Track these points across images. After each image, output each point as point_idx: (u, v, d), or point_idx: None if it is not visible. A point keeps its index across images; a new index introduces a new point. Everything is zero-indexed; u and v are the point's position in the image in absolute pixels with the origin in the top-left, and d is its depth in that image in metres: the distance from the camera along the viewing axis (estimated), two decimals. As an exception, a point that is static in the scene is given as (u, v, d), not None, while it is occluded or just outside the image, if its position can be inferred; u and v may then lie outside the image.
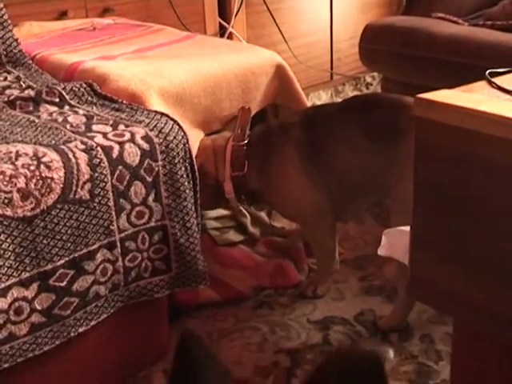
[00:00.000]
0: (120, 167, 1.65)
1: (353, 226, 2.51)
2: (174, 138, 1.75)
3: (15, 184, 1.49)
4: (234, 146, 2.08)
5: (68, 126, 1.71)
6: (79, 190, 1.59)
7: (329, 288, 2.19)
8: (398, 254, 1.47)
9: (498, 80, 1.40)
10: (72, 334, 1.65)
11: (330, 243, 2.14)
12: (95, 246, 1.64)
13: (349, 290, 2.20)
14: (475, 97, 1.30)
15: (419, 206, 1.37)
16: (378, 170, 1.95)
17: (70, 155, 1.58)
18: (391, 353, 0.73)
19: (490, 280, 1.28)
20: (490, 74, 1.43)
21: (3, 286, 1.49)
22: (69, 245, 1.59)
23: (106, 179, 1.63)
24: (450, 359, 1.75)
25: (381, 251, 1.52)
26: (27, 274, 1.53)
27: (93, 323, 1.68)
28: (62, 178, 1.56)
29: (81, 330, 1.66)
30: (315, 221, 2.09)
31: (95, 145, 1.63)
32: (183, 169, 1.77)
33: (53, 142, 1.63)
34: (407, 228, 1.44)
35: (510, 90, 1.33)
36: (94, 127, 1.72)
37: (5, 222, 1.48)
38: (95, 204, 1.62)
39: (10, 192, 1.48)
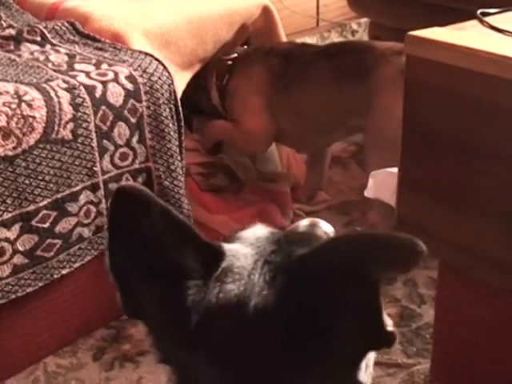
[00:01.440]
0: (103, 107, 1.62)
1: (337, 171, 2.49)
2: (159, 78, 1.72)
3: (-4, 122, 1.46)
4: (220, 59, 2.18)
5: (50, 65, 1.67)
6: (61, 129, 1.55)
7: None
8: (385, 195, 1.46)
9: (489, 19, 1.38)
10: (55, 276, 1.64)
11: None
12: (78, 188, 1.61)
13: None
14: (467, 34, 1.28)
15: (408, 147, 1.36)
16: (346, 107, 2.01)
17: (52, 94, 1.55)
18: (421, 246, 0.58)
19: (476, 220, 1.28)
20: (481, 13, 1.40)
21: (-16, 226, 1.47)
22: (51, 186, 1.56)
23: (88, 119, 1.59)
24: (432, 303, 1.76)
25: (368, 193, 1.51)
26: (9, 215, 1.51)
27: (76, 265, 1.67)
28: (44, 117, 1.52)
29: (64, 271, 1.65)
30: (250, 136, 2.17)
31: (78, 84, 1.59)
32: (168, 110, 1.74)
33: (34, 80, 1.59)
34: (395, 170, 1.43)
35: (501, 29, 1.31)
36: (77, 66, 1.68)
37: (-15, 161, 1.45)
38: (78, 144, 1.59)
39: (-9, 130, 1.45)
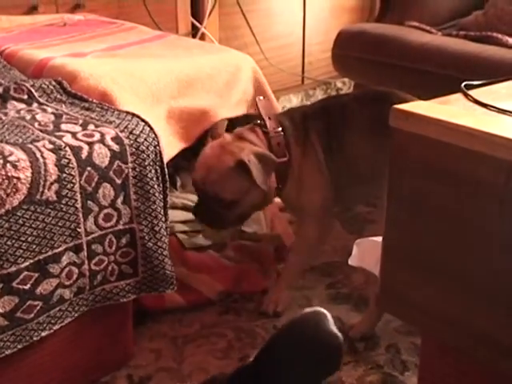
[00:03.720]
0: (89, 168, 1.62)
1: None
2: (145, 139, 1.72)
3: (-20, 183, 1.45)
4: (271, 134, 2.06)
5: (36, 125, 1.67)
6: (46, 190, 1.55)
7: (289, 304, 2.15)
8: (369, 264, 1.46)
9: (473, 93, 1.40)
10: (35, 338, 1.61)
11: (316, 246, 2.18)
12: (61, 249, 1.60)
13: (316, 297, 2.19)
14: (452, 109, 1.30)
15: (392, 218, 1.36)
16: (379, 163, 1.98)
17: (38, 155, 1.54)
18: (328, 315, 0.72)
19: (460, 294, 1.28)
20: (465, 86, 1.43)
21: (-36, 287, 1.45)
22: (34, 247, 1.55)
23: (74, 180, 1.59)
24: (415, 370, 1.75)
25: (352, 261, 1.51)
26: (-11, 277, 1.49)
27: (56, 327, 1.65)
28: (29, 178, 1.51)
29: (44, 334, 1.62)
30: (320, 216, 2.12)
31: (64, 145, 1.59)
32: (153, 171, 1.74)
33: (20, 140, 1.59)
34: (379, 238, 1.44)
35: (486, 104, 1.33)
36: (63, 126, 1.68)
37: (-32, 222, 1.44)
38: (62, 205, 1.58)
39: (-25, 191, 1.44)
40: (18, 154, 1.52)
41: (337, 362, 0.74)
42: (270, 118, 2.08)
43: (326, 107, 2.13)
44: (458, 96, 1.38)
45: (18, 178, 1.50)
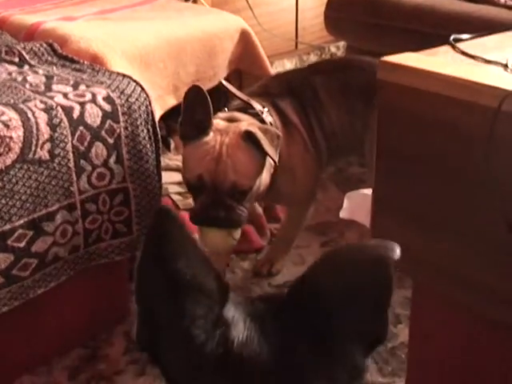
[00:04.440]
0: (81, 128, 1.63)
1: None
2: (137, 99, 1.73)
3: (-28, 142, 1.46)
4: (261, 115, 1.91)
5: (27, 86, 1.68)
6: (39, 149, 1.56)
7: (283, 266, 2.16)
8: (360, 216, 1.48)
9: (461, 45, 1.41)
10: (31, 296, 1.63)
11: (306, 221, 2.16)
12: (55, 207, 1.61)
13: (310, 254, 2.21)
14: (439, 60, 1.31)
15: (381, 169, 1.38)
16: (358, 130, 2.03)
17: (30, 114, 1.56)
18: (397, 250, 0.67)
19: (449, 241, 1.30)
20: (453, 39, 1.43)
21: (-40, 245, 1.47)
22: (28, 205, 1.56)
23: (66, 139, 1.60)
24: (408, 323, 1.77)
25: (343, 214, 1.53)
26: (-15, 234, 1.51)
27: (52, 285, 1.67)
28: (21, 138, 1.53)
29: (40, 291, 1.65)
30: (310, 198, 2.09)
31: (55, 104, 1.60)
32: (145, 131, 1.75)
33: (12, 100, 1.60)
34: (369, 191, 1.45)
35: (473, 55, 1.34)
36: (54, 87, 1.69)
37: (-38, 181, 1.46)
38: (55, 164, 1.59)
39: (-33, 150, 1.46)
40: (10, 114, 1.53)
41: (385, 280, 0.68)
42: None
43: (291, 84, 2.03)
44: (446, 48, 1.38)
45: (11, 138, 1.51)
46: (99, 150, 1.67)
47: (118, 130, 1.70)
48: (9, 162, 1.52)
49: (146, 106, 1.75)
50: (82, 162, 1.64)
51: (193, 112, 1.73)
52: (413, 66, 1.27)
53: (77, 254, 1.70)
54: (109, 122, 1.67)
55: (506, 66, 1.27)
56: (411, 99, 1.28)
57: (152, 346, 0.73)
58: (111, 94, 1.69)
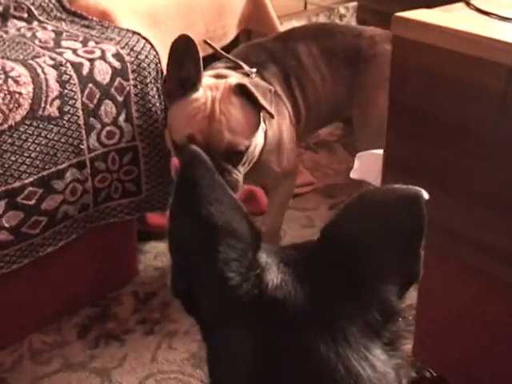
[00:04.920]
0: (90, 85, 1.62)
1: (324, 155, 2.50)
2: (146, 57, 1.72)
3: (-18, 98, 1.45)
4: (251, 74, 1.78)
5: (37, 42, 1.67)
6: (48, 106, 1.55)
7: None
8: (371, 176, 1.47)
9: (475, 2, 1.38)
10: (40, 254, 1.64)
11: (289, 200, 2.03)
12: (64, 165, 1.61)
13: (318, 217, 2.20)
14: (453, 16, 1.29)
15: (393, 126, 1.37)
16: (343, 96, 1.95)
17: (39, 70, 1.54)
18: (425, 193, 0.68)
19: (462, 203, 1.29)
20: (468, -4, 1.41)
21: (-30, 202, 1.47)
22: (37, 162, 1.56)
23: (75, 96, 1.59)
24: (415, 285, 1.77)
25: (353, 174, 1.52)
26: (-6, 191, 1.51)
27: (61, 243, 1.67)
28: (31, 94, 1.52)
29: (49, 249, 1.65)
30: (295, 174, 1.99)
31: (64, 61, 1.59)
32: (155, 89, 1.74)
33: (21, 56, 1.59)
34: (380, 151, 1.44)
35: (487, 11, 1.32)
36: (64, 43, 1.67)
37: (-29, 137, 1.45)
38: (64, 121, 1.58)
39: (-23, 106, 1.45)
40: (20, 70, 1.52)
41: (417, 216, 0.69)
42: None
43: (273, 53, 1.89)
44: (460, 5, 1.36)
45: (20, 93, 1.50)
46: (109, 107, 1.66)
47: (127, 88, 1.68)
48: (18, 118, 1.51)
49: (156, 64, 1.74)
50: (91, 119, 1.63)
51: (180, 66, 1.59)
52: (426, 22, 1.25)
53: (86, 212, 1.70)
54: (118, 79, 1.66)
55: (522, 24, 1.25)
56: (425, 55, 1.26)
57: (186, 292, 0.72)
58: (121, 51, 1.68)
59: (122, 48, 1.69)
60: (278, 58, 1.87)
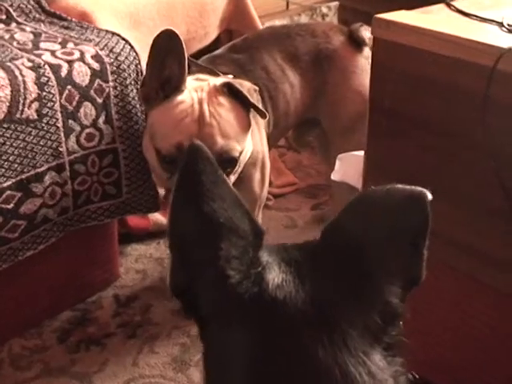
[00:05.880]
0: (69, 87, 1.60)
1: (306, 155, 2.49)
2: (126, 58, 1.70)
3: (-42, 101, 1.43)
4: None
5: (15, 44, 1.65)
6: (26, 109, 1.53)
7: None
8: (352, 178, 1.47)
9: (456, 4, 1.38)
10: (20, 258, 1.62)
11: None
12: (43, 168, 1.59)
13: (301, 217, 2.20)
14: (433, 18, 1.29)
15: (373, 127, 1.36)
16: (309, 98, 1.86)
17: (17, 73, 1.52)
18: (428, 193, 0.67)
19: (445, 206, 1.28)
20: (449, -3, 1.41)
21: None
22: (16, 166, 1.54)
23: (54, 99, 1.57)
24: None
25: (334, 176, 1.52)
26: (-28, 195, 1.49)
27: (41, 247, 1.65)
28: (9, 97, 1.50)
29: (28, 253, 1.63)
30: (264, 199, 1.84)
31: (43, 63, 1.57)
32: (135, 91, 1.72)
33: (-1, 59, 1.56)
34: (361, 153, 1.44)
35: (467, 12, 1.32)
36: (42, 45, 1.65)
37: None
38: (43, 124, 1.57)
39: (-47, 109, 1.43)
40: (-3, 72, 1.50)
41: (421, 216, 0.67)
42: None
43: (241, 64, 1.77)
44: (441, 6, 1.36)
45: (-3, 96, 1.48)
46: (88, 109, 1.64)
47: (107, 90, 1.66)
48: (-4, 121, 1.49)
49: (136, 65, 1.72)
50: (70, 121, 1.61)
51: (162, 65, 1.49)
52: (407, 24, 1.25)
53: (66, 215, 1.68)
54: (97, 81, 1.64)
55: (501, 24, 1.25)
56: (406, 57, 1.26)
57: (185, 290, 0.71)
58: (100, 52, 1.66)
59: (101, 49, 1.67)
60: (248, 70, 1.75)
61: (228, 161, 1.50)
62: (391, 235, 0.71)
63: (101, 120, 1.67)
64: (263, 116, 1.54)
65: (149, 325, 1.77)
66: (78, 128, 1.63)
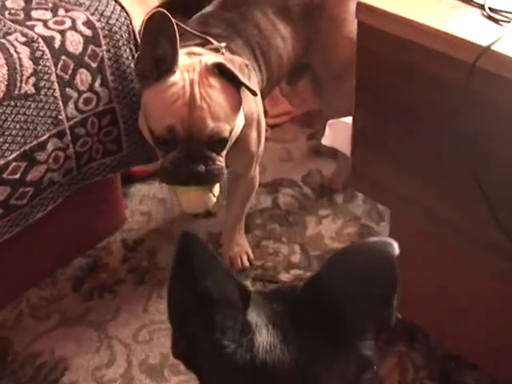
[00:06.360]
0: (63, 57, 1.64)
1: (301, 81, 2.51)
2: (117, 20, 1.72)
3: (-42, 87, 1.48)
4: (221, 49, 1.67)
5: (7, 14, 1.66)
6: (24, 84, 1.58)
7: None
8: (341, 145, 1.53)
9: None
10: (30, 221, 1.72)
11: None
12: (45, 137, 1.65)
13: (297, 149, 2.27)
14: (419, 3, 1.29)
15: (359, 103, 1.42)
16: (301, 49, 1.88)
17: (12, 50, 1.56)
18: (396, 246, 0.78)
19: (425, 182, 1.36)
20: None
21: (-43, 186, 1.53)
22: (18, 139, 1.60)
23: (49, 71, 1.61)
24: (389, 219, 1.86)
25: (324, 141, 1.58)
26: (-20, 172, 1.56)
27: (49, 208, 1.75)
28: (6, 76, 1.54)
29: (38, 215, 1.73)
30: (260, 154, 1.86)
31: (36, 36, 1.60)
32: (128, 51, 1.75)
33: (-8, 34, 1.59)
34: (350, 120, 1.49)
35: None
36: (34, 14, 1.67)
37: (-48, 125, 1.49)
38: (41, 96, 1.62)
39: (-46, 96, 1.48)
40: (-8, 52, 1.54)
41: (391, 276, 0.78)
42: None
43: (233, 23, 1.76)
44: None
45: (-5, 77, 1.53)
46: (83, 76, 1.68)
47: (100, 54, 1.70)
48: (-4, 100, 1.54)
49: (127, 26, 1.74)
50: (67, 90, 1.66)
51: (154, 45, 1.50)
52: (390, 12, 1.27)
53: (70, 175, 1.76)
54: (91, 47, 1.67)
55: (482, 8, 1.27)
56: (388, 44, 1.29)
57: (185, 353, 0.83)
58: (91, 18, 1.68)
59: (92, 14, 1.69)
60: (240, 29, 1.74)
61: (219, 141, 1.54)
62: (365, 293, 0.80)
63: (97, 83, 1.71)
64: (254, 94, 1.57)
65: (156, 270, 1.89)
66: (75, 95, 1.68)
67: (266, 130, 2.28)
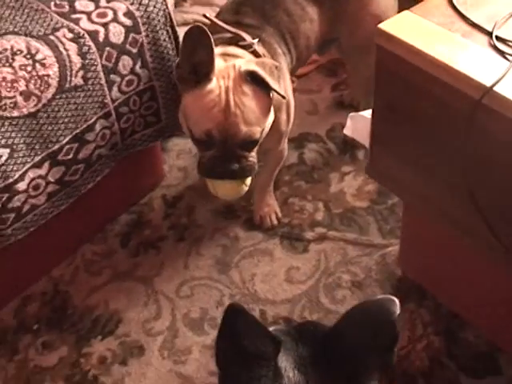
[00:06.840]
0: (107, 48, 1.78)
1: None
2: (154, 7, 1.85)
3: (17, 88, 1.65)
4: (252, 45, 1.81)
5: (52, 6, 1.79)
6: (73, 78, 1.74)
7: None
8: (361, 136, 1.69)
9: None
10: (82, 191, 1.92)
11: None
12: (93, 120, 1.83)
13: (322, 101, 2.41)
14: (430, 29, 1.41)
15: (377, 113, 1.56)
16: (327, 27, 2.00)
17: (61, 48, 1.71)
18: (398, 304, 1.06)
19: (433, 184, 1.53)
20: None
21: (21, 172, 1.72)
22: (70, 125, 1.78)
23: (95, 63, 1.77)
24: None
25: (346, 131, 1.73)
26: (38, 157, 1.75)
27: (98, 179, 1.94)
28: (57, 73, 1.70)
29: (89, 186, 1.93)
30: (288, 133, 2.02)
31: (82, 32, 1.74)
32: (165, 33, 1.89)
33: (42, 31, 1.73)
34: (369, 114, 1.64)
35: (463, 14, 1.44)
36: (77, 5, 1.80)
37: (13, 122, 1.67)
38: (89, 86, 1.78)
39: (14, 97, 1.65)
40: (44, 51, 1.69)
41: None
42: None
43: (265, 12, 1.87)
44: (440, 2, 1.48)
45: (48, 75, 1.69)
46: (125, 61, 1.83)
47: (140, 40, 1.84)
48: (50, 96, 1.70)
49: (164, 10, 1.87)
50: (111, 76, 1.81)
51: (193, 53, 1.64)
52: (403, 40, 1.39)
53: (116, 148, 1.94)
54: (131, 35, 1.81)
55: (490, 36, 1.39)
56: (404, 68, 1.42)
57: None
58: (130, 8, 1.81)
59: (132, 4, 1.81)
60: (271, 17, 1.87)
61: (251, 142, 1.71)
62: (373, 343, 1.04)
63: (137, 66, 1.86)
64: (283, 98, 1.73)
65: (194, 227, 2.10)
66: (118, 79, 1.84)
67: (293, 81, 2.42)
